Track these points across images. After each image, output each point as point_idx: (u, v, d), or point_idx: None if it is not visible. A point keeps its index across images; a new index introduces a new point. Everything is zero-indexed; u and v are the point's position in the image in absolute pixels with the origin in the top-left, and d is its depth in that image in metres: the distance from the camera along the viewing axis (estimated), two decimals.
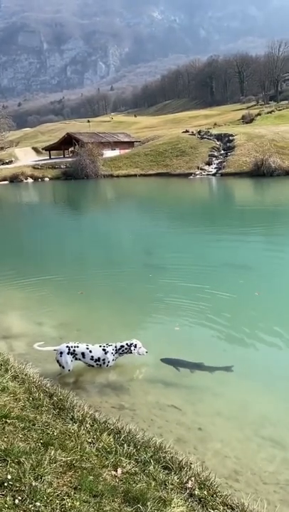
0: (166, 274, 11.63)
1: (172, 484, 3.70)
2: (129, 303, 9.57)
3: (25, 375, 5.72)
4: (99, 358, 6.45)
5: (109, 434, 4.40)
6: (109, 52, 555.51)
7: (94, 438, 4.34)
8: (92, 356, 6.44)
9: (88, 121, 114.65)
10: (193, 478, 3.78)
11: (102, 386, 6.19)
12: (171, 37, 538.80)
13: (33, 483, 3.45)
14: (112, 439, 4.33)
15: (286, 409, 5.86)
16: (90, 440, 4.31)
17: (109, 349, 6.49)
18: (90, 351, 6.45)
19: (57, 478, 3.62)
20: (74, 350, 6.40)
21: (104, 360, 6.45)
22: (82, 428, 4.51)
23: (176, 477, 3.80)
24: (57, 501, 3.32)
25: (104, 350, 6.48)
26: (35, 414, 4.70)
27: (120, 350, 6.50)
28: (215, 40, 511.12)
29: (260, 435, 5.26)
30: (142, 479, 3.73)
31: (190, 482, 3.73)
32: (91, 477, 3.67)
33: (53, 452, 3.96)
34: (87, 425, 4.59)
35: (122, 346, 6.50)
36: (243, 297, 9.59)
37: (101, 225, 22.55)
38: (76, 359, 6.45)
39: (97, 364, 6.45)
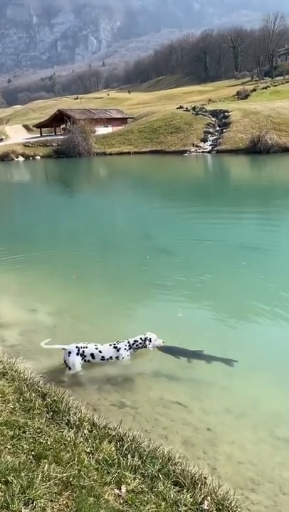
0: (164, 256, 11.05)
1: (185, 505, 3.20)
2: (127, 287, 9.00)
3: (16, 371, 5.17)
4: (111, 357, 5.93)
5: (110, 442, 3.89)
6: (101, 26, 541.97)
7: (93, 447, 3.82)
8: (102, 357, 5.91)
9: (77, 98, 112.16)
10: (209, 498, 3.27)
11: (101, 381, 5.66)
12: (163, 10, 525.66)
13: (23, 511, 2.93)
14: (113, 448, 3.81)
15: None
16: (88, 450, 3.79)
17: (121, 345, 5.96)
18: (100, 351, 5.91)
19: (51, 501, 3.11)
20: (83, 351, 5.86)
21: (117, 357, 5.94)
22: (80, 435, 3.99)
23: (189, 496, 3.29)
24: None
25: (115, 347, 5.95)
26: (26, 418, 4.17)
27: (134, 346, 5.99)
28: (209, 13, 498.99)
29: (274, 436, 4.78)
30: (150, 499, 3.22)
31: (206, 502, 3.22)
32: (91, 499, 3.15)
33: (46, 467, 3.44)
34: (85, 431, 4.06)
35: (136, 341, 5.99)
36: (247, 280, 9.06)
37: (94, 204, 21.82)
38: (85, 361, 5.89)
39: (109, 361, 5.96)
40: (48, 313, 7.66)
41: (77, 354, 5.81)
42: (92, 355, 5.88)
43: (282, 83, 78.99)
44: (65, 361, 5.83)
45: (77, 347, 5.85)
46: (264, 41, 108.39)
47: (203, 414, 5.10)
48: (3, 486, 3.15)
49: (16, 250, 12.21)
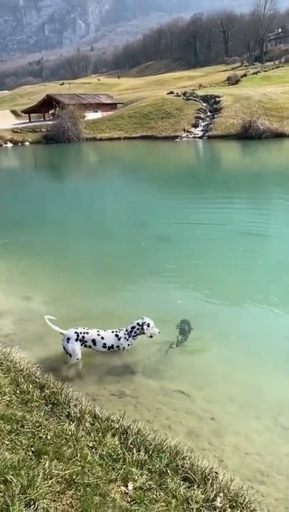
0: (160, 242, 10.84)
1: (197, 502, 3.02)
2: (123, 274, 8.76)
3: (11, 361, 4.95)
4: (112, 346, 5.65)
5: (113, 435, 3.70)
6: (89, 9, 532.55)
7: (96, 441, 3.63)
8: (104, 344, 5.64)
9: (63, 84, 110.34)
10: (221, 494, 3.10)
11: (100, 370, 5.45)
12: None
13: None
14: (117, 442, 3.63)
15: None
16: (91, 444, 3.59)
17: (121, 334, 5.69)
18: (102, 338, 5.64)
19: (54, 501, 2.91)
20: (83, 337, 5.58)
21: (118, 347, 5.67)
22: (81, 428, 3.80)
23: (200, 492, 3.11)
24: None
25: (116, 336, 5.68)
26: (24, 412, 3.95)
27: (133, 333, 5.68)
28: None
29: (279, 424, 4.64)
30: (159, 497, 3.04)
31: (218, 499, 3.05)
32: (97, 498, 2.96)
33: (47, 464, 3.24)
34: (87, 424, 3.87)
35: (134, 327, 5.68)
36: (246, 266, 8.90)
37: (86, 191, 21.44)
38: (86, 346, 5.63)
39: (110, 351, 5.70)
40: (43, 302, 7.40)
41: (77, 340, 5.55)
42: (93, 341, 5.63)
43: (273, 68, 78.48)
44: (64, 348, 5.58)
45: (76, 332, 5.58)
46: (254, 26, 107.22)
47: (206, 403, 4.94)
48: (2, 486, 2.94)
49: (5, 236, 11.90)
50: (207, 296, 7.47)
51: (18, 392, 4.30)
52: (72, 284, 8.26)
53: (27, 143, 51.10)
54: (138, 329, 5.67)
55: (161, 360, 5.70)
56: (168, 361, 5.67)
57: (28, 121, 63.26)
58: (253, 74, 73.94)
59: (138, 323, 5.69)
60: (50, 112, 61.64)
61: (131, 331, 5.68)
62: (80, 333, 5.59)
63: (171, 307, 7.05)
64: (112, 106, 64.59)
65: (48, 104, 60.78)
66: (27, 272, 9.12)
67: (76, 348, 5.52)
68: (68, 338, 5.54)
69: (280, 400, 5.04)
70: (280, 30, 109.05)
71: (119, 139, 47.82)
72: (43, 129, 52.86)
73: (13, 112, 74.46)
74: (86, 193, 20.68)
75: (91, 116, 55.78)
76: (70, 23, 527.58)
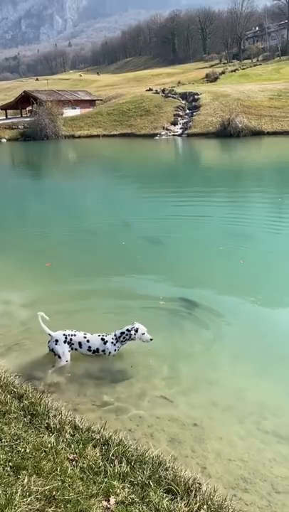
0: (139, 240, 10.77)
1: None
2: (104, 275, 8.62)
3: None
4: (98, 349, 5.55)
5: (94, 447, 3.60)
6: (66, 5, 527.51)
7: (76, 453, 3.52)
8: (89, 347, 5.54)
9: (37, 79, 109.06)
10: (205, 506, 3.04)
11: (80, 378, 5.32)
12: None
13: None
14: (98, 454, 3.53)
15: (286, 395, 5.25)
16: (71, 457, 3.49)
17: (108, 338, 5.58)
18: (88, 341, 5.55)
19: None
20: (71, 339, 5.49)
21: (104, 351, 5.56)
22: (61, 440, 3.69)
23: (183, 505, 3.04)
24: None
25: (103, 339, 5.57)
26: (2, 424, 3.82)
27: (121, 338, 5.57)
28: None
29: (262, 429, 4.61)
30: (141, 511, 2.96)
31: (202, 511, 2.99)
32: None
33: (26, 480, 3.13)
34: (67, 435, 3.76)
35: (123, 333, 5.57)
36: (226, 265, 8.88)
37: (65, 189, 21.17)
38: (72, 349, 5.52)
39: (95, 354, 5.60)
40: (22, 305, 7.22)
41: (65, 342, 5.46)
42: (79, 343, 5.54)
43: (251, 66, 79.11)
44: (52, 350, 5.47)
45: (64, 334, 5.49)
46: (232, 23, 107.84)
47: (189, 408, 4.88)
48: None
49: None
50: (189, 298, 7.40)
51: None
52: (51, 286, 8.08)
53: (4, 140, 50.30)
54: (127, 335, 5.57)
55: (142, 364, 5.62)
56: (150, 366, 5.59)
57: (4, 117, 62.26)
58: (231, 71, 74.48)
59: (127, 329, 5.59)
60: (27, 108, 60.84)
61: (119, 337, 5.58)
62: (68, 335, 5.50)
63: (155, 310, 6.98)
64: (91, 103, 64.09)
65: (26, 100, 59.93)
66: (4, 273, 8.91)
67: (65, 350, 5.44)
68: (57, 340, 5.45)
69: (262, 403, 5.02)
70: (257, 28, 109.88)
71: (98, 136, 47.54)
72: (20, 126, 52.15)
73: None
74: (65, 191, 20.42)
75: (69, 113, 55.26)
76: (48, 18, 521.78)
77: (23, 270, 9.14)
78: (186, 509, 3.02)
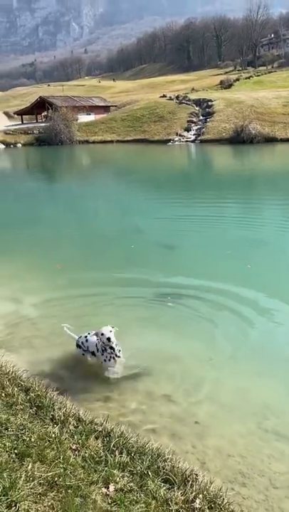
0: (149, 246, 10.93)
1: (176, 504, 3.07)
2: (113, 277, 8.77)
3: None
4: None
5: (96, 438, 3.74)
6: (83, 12, 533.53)
7: (79, 444, 3.66)
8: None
9: (49, 85, 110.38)
10: (201, 495, 3.16)
11: (83, 374, 5.48)
12: None
13: None
14: (100, 445, 3.67)
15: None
16: (74, 447, 3.63)
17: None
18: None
19: (35, 502, 2.95)
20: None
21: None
22: (65, 431, 3.83)
23: (180, 493, 3.16)
24: None
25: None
26: (9, 414, 3.99)
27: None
28: (192, 1, 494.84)
29: (263, 428, 4.70)
30: (139, 498, 3.09)
31: (198, 500, 3.10)
32: (78, 499, 3.01)
33: (30, 466, 3.28)
34: (71, 427, 3.90)
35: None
36: (233, 270, 8.97)
37: (77, 193, 21.44)
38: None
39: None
40: (32, 304, 7.42)
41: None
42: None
43: (265, 73, 79.03)
44: (82, 348, 5.61)
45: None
46: (247, 31, 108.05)
47: (192, 406, 4.99)
48: None
49: None
50: (195, 300, 7.52)
51: (3, 395, 4.33)
52: (62, 288, 8.26)
53: (19, 145, 51.00)
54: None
55: (145, 362, 5.73)
56: (153, 365, 5.70)
57: (20, 122, 63.13)
58: (246, 78, 74.45)
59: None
60: (42, 113, 61.57)
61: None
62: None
63: (164, 311, 7.12)
64: (106, 108, 64.66)
65: (41, 105, 60.69)
66: (16, 274, 9.12)
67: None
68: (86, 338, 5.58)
69: (264, 403, 5.10)
70: (272, 35, 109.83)
71: (112, 142, 47.88)
72: (35, 131, 52.80)
73: (6, 114, 74.33)
74: (77, 195, 20.68)
75: (84, 118, 55.78)
76: (64, 25, 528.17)
77: (34, 270, 9.35)
78: (182, 498, 3.13)
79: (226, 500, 3.19)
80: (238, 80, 73.82)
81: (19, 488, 3.00)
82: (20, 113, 66.44)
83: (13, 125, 60.90)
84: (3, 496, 2.90)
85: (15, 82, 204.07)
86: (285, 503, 3.70)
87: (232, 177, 23.65)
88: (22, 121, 64.42)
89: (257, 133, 38.09)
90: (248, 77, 75.01)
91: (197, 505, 3.05)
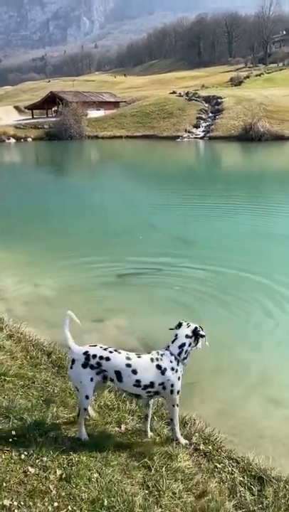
0: (157, 238, 11.59)
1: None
2: (124, 265, 9.43)
3: (21, 333, 5.64)
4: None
5: (110, 392, 4.37)
6: (94, 7, 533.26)
7: (95, 395, 4.30)
8: None
9: (49, 81, 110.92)
10: (197, 434, 3.81)
11: (105, 338, 6.11)
12: None
13: (38, 439, 3.42)
14: (113, 396, 4.31)
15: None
16: None
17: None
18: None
19: (61, 434, 3.60)
20: None
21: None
22: None
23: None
24: (63, 456, 3.29)
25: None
26: (34, 372, 4.65)
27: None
28: None
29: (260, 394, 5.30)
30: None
31: (194, 437, 3.75)
32: (95, 433, 3.66)
33: (55, 409, 3.93)
34: None
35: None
36: (241, 261, 9.59)
37: (87, 187, 22.11)
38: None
39: None
40: (52, 288, 8.13)
41: None
42: None
43: (276, 70, 79.07)
44: None
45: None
46: (259, 27, 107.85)
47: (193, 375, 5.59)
48: (19, 422, 3.63)
49: (7, 230, 12.54)
50: (211, 292, 8.03)
51: (28, 357, 4.98)
52: (76, 273, 8.96)
53: (29, 139, 51.74)
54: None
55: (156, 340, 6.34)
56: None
57: (30, 117, 63.87)
58: (256, 76, 74.63)
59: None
60: (53, 108, 62.22)
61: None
62: None
63: (169, 297, 7.75)
64: (115, 104, 65.25)
65: (52, 100, 61.36)
66: (34, 261, 9.80)
67: None
68: None
69: (264, 374, 5.70)
70: (284, 32, 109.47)
71: (121, 137, 48.48)
72: (45, 126, 53.49)
73: (17, 108, 75.05)
74: (88, 190, 21.34)
75: (94, 114, 56.41)
76: (75, 19, 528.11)
77: (51, 258, 10.04)
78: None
79: (218, 439, 3.82)
80: (248, 77, 74.01)
81: (47, 423, 3.66)
82: (31, 107, 67.14)
83: (23, 119, 61.67)
84: (35, 427, 3.56)
85: (25, 77, 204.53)
86: (269, 447, 4.27)
87: (239, 174, 24.18)
88: (32, 115, 65.13)
89: (265, 131, 38.53)
90: (259, 75, 75.15)
91: (194, 441, 3.70)
